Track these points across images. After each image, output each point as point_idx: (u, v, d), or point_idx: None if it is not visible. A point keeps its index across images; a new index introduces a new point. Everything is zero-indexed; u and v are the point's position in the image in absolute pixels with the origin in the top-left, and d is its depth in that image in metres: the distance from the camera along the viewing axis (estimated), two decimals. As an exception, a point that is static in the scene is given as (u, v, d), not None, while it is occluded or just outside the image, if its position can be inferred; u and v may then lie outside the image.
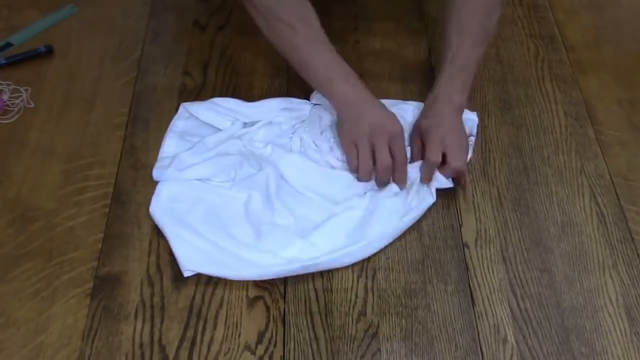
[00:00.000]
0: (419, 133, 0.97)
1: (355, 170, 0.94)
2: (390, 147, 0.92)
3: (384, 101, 0.99)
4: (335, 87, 0.94)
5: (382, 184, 0.93)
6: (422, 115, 0.99)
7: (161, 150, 0.97)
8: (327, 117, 1.00)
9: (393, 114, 0.95)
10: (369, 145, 0.92)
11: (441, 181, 0.93)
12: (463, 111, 0.99)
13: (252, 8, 0.96)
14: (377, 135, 0.91)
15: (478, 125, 1.03)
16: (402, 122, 0.96)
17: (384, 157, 0.91)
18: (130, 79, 1.09)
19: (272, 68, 1.11)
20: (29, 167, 0.96)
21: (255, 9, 0.96)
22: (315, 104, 1.03)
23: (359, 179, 0.94)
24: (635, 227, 0.93)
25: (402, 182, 0.93)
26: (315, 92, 1.03)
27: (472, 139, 1.00)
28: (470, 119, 1.02)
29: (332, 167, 0.96)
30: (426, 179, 0.94)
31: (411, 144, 0.98)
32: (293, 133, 0.99)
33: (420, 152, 0.96)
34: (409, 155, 0.96)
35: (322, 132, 0.99)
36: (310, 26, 0.96)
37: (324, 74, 0.94)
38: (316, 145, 0.97)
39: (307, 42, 0.95)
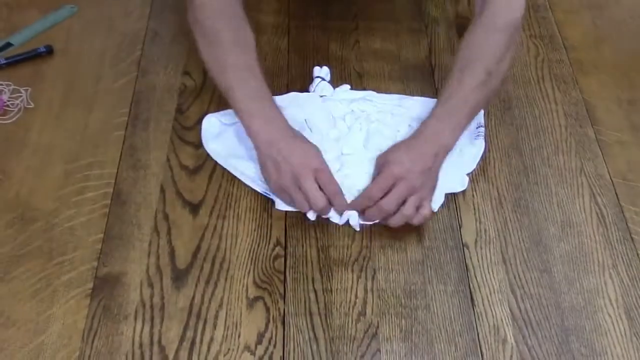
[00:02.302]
0: (384, 161, 0.90)
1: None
2: (320, 183, 0.87)
3: (391, 96, 1.00)
4: (253, 121, 0.91)
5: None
6: (397, 146, 0.92)
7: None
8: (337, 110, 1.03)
9: (312, 145, 0.91)
10: (298, 188, 0.87)
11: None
12: (446, 154, 0.92)
13: (195, 24, 0.96)
14: (302, 178, 0.86)
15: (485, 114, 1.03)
16: (406, 117, 0.97)
17: (317, 199, 0.86)
18: (130, 79, 1.09)
19: (272, 67, 1.11)
20: (28, 167, 0.96)
21: (199, 25, 0.95)
22: (322, 96, 1.05)
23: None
24: (635, 227, 0.93)
25: (342, 208, 0.89)
26: (316, 83, 1.04)
27: (482, 130, 1.00)
28: None
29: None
30: (369, 217, 0.89)
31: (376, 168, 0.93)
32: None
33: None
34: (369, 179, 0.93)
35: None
36: (245, 53, 0.94)
37: (244, 105, 0.92)
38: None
39: (237, 68, 0.93)
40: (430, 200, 0.90)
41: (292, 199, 0.88)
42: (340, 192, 0.89)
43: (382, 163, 0.91)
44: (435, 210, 0.92)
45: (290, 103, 1.02)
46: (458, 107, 0.92)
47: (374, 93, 1.07)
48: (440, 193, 0.93)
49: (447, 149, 0.91)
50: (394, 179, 0.87)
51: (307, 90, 1.07)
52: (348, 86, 1.07)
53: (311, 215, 0.89)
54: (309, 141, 0.92)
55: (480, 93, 0.94)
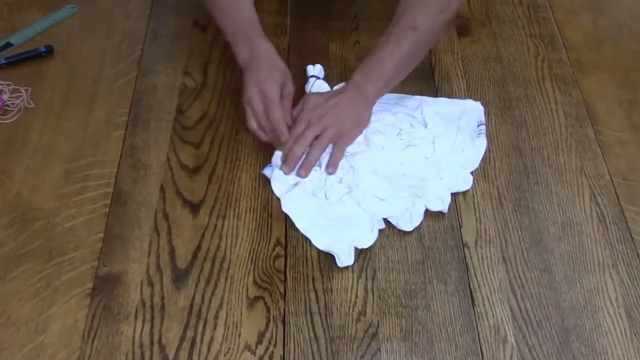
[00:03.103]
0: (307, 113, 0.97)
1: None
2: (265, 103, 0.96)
3: (388, 95, 1.02)
4: (239, 50, 1.00)
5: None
6: (317, 95, 1.00)
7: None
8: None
9: (275, 73, 0.98)
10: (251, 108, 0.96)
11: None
12: (369, 106, 0.98)
13: None
14: (255, 103, 0.96)
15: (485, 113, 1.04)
16: (407, 115, 0.99)
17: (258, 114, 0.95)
18: (131, 79, 1.09)
19: (272, 68, 1.11)
20: (29, 167, 0.96)
21: None
22: (312, 76, 1.07)
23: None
24: (635, 227, 0.93)
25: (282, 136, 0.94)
26: (312, 83, 1.06)
27: (483, 128, 1.01)
28: (477, 109, 1.03)
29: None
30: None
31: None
32: None
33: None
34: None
35: None
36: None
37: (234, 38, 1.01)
38: None
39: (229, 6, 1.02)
40: (349, 141, 0.97)
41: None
42: (277, 108, 0.95)
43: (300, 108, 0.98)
44: (445, 210, 0.92)
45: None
46: (381, 61, 0.97)
47: None
48: (447, 192, 0.94)
49: (367, 101, 0.98)
50: (310, 114, 0.95)
51: (303, 91, 1.06)
52: (345, 84, 1.07)
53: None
54: (283, 74, 0.99)
55: (403, 48, 0.97)
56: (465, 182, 0.96)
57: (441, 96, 1.08)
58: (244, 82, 0.98)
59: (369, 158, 0.95)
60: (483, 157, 0.99)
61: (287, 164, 0.94)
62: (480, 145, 0.99)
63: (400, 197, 0.92)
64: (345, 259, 0.86)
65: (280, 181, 0.94)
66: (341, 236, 0.88)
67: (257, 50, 0.99)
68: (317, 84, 1.06)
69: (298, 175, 0.94)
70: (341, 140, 0.96)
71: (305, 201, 0.92)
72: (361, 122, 0.98)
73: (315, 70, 1.08)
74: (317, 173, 0.95)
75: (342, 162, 0.95)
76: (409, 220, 0.90)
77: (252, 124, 0.97)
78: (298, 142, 0.94)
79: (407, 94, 1.07)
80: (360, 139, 0.98)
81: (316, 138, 0.94)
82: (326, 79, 1.08)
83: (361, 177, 0.93)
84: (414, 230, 0.91)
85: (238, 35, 1.01)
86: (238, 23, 1.01)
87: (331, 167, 0.94)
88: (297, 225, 0.90)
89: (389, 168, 0.95)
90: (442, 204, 0.92)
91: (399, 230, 0.91)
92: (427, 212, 0.93)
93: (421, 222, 0.92)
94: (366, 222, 0.90)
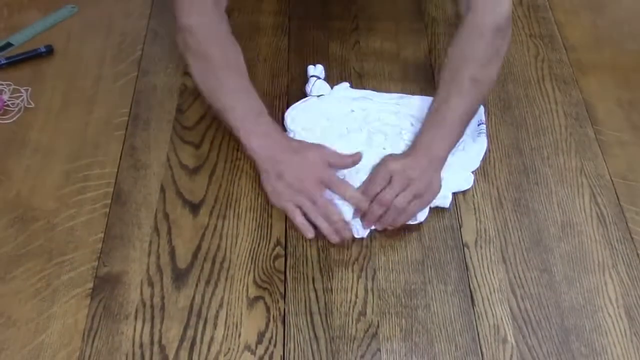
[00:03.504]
0: (390, 172, 0.90)
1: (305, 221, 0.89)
2: (331, 189, 0.90)
3: (390, 94, 1.03)
4: (252, 139, 0.92)
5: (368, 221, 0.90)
6: (394, 158, 0.93)
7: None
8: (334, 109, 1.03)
9: (315, 153, 0.92)
10: (309, 202, 0.88)
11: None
12: (442, 165, 0.93)
13: (186, 49, 0.96)
14: (309, 187, 0.88)
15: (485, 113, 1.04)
16: (408, 116, 1.00)
17: (331, 212, 0.88)
18: (131, 79, 1.09)
19: (272, 68, 1.11)
20: (29, 167, 0.96)
21: (190, 50, 0.96)
22: (320, 95, 1.06)
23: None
24: (635, 227, 0.93)
25: (361, 204, 0.89)
26: (312, 83, 1.05)
27: (483, 127, 1.01)
28: None
29: None
30: (371, 222, 0.90)
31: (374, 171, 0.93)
32: None
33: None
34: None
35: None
36: (238, 74, 0.96)
37: (241, 123, 0.93)
38: None
39: (231, 89, 0.94)
40: (428, 204, 0.91)
41: (302, 211, 0.89)
42: (351, 190, 0.89)
43: (389, 173, 0.90)
44: (448, 207, 0.93)
45: (295, 117, 1.02)
46: (446, 118, 0.93)
47: (374, 92, 1.07)
48: (447, 192, 0.94)
49: (440, 160, 0.92)
50: (389, 173, 0.89)
51: (304, 91, 1.07)
52: (347, 84, 1.07)
53: (310, 234, 0.88)
54: (312, 149, 0.92)
55: (468, 101, 0.94)
56: (466, 182, 0.96)
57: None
58: (274, 179, 0.90)
59: (372, 158, 0.95)
60: (484, 157, 0.99)
61: (367, 221, 0.90)
62: (480, 145, 0.99)
63: None
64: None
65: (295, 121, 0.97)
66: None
67: (276, 139, 0.92)
68: (318, 84, 1.06)
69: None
70: (411, 206, 0.89)
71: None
72: (435, 189, 0.91)
73: (316, 70, 1.08)
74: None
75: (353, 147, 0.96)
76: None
77: (300, 218, 0.89)
78: (379, 202, 0.88)
79: (407, 94, 1.07)
80: (362, 138, 0.98)
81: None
82: (326, 79, 1.08)
83: (364, 178, 0.93)
84: (414, 230, 0.91)
85: (249, 123, 0.93)
86: (247, 109, 0.94)
87: (380, 226, 0.90)
88: None
89: None
90: (443, 201, 0.93)
91: (399, 230, 0.91)
92: (428, 212, 0.93)
93: (425, 219, 0.92)
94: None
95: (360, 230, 0.90)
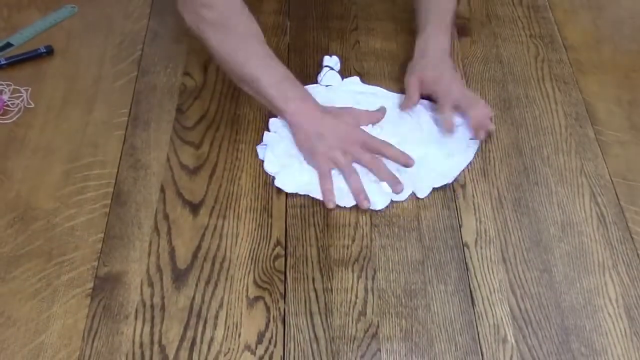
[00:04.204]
0: (418, 77, 1.02)
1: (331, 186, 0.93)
2: (368, 148, 0.94)
3: (399, 95, 1.05)
4: (289, 104, 0.95)
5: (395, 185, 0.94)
6: (416, 62, 1.05)
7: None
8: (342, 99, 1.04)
9: (350, 114, 0.98)
10: (346, 156, 0.94)
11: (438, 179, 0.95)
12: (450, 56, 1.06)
13: (203, 24, 0.96)
14: (351, 145, 0.94)
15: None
16: (407, 115, 1.02)
17: (369, 157, 0.94)
18: (131, 79, 1.09)
19: (272, 68, 1.11)
20: (29, 167, 0.96)
21: (208, 24, 0.96)
22: (327, 86, 1.07)
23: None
24: (635, 227, 0.93)
25: (403, 159, 0.94)
26: (324, 73, 1.07)
27: (476, 143, 1.01)
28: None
29: None
30: (449, 124, 0.99)
31: (407, 85, 1.03)
32: None
33: (418, 91, 1.02)
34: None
35: None
36: (260, 43, 0.98)
37: (274, 92, 0.95)
38: None
39: (259, 57, 0.96)
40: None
41: (340, 171, 0.94)
42: (393, 147, 0.95)
43: (419, 83, 1.02)
44: (404, 198, 0.95)
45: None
46: (446, 19, 1.07)
47: (383, 89, 1.08)
48: (427, 187, 0.95)
49: (449, 52, 1.06)
50: (454, 98, 1.00)
51: (315, 80, 1.08)
52: (358, 78, 1.08)
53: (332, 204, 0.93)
54: (347, 112, 0.98)
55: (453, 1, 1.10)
56: (446, 176, 0.96)
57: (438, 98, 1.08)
58: (311, 142, 0.95)
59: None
60: (461, 171, 0.98)
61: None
62: (465, 156, 0.99)
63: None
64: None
65: (271, 161, 0.96)
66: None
67: (309, 104, 0.97)
68: (330, 75, 1.07)
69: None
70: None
71: (298, 177, 0.95)
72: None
73: (331, 61, 1.09)
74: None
75: None
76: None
77: (328, 184, 0.93)
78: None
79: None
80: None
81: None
82: (340, 71, 1.09)
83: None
84: (414, 230, 0.91)
85: (280, 87, 0.96)
86: (276, 77, 0.96)
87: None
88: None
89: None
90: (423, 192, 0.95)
91: (399, 231, 0.91)
92: (427, 212, 0.93)
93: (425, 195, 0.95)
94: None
95: (378, 203, 0.92)
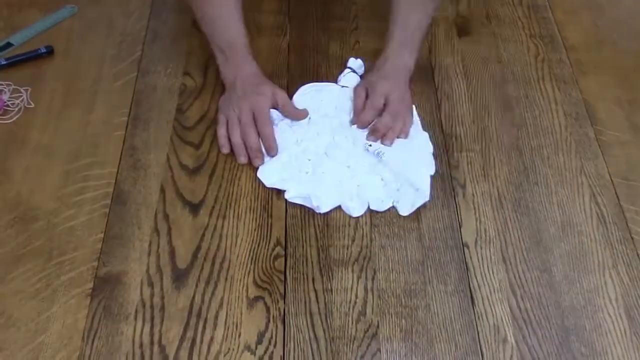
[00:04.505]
0: (364, 85, 1.03)
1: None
2: (256, 122, 0.97)
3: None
4: (226, 66, 1.03)
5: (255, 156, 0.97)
6: (371, 73, 1.05)
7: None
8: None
9: (266, 90, 1.00)
10: (237, 120, 0.98)
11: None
12: (411, 73, 1.04)
13: None
14: (243, 115, 0.98)
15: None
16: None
17: (250, 137, 0.97)
18: (131, 79, 1.09)
19: (272, 68, 1.11)
20: (29, 167, 0.96)
21: None
22: (343, 86, 1.07)
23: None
24: (635, 227, 0.93)
25: (271, 149, 0.97)
26: (344, 74, 1.08)
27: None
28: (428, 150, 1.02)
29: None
30: (365, 123, 1.00)
31: (354, 96, 1.04)
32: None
33: (363, 103, 1.01)
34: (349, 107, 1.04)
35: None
36: (227, 3, 1.03)
37: (220, 52, 1.03)
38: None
39: (218, 17, 1.03)
40: (411, 121, 1.02)
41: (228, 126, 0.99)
42: (271, 136, 0.97)
43: (365, 92, 1.03)
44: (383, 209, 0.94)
45: (310, 90, 1.06)
46: (414, 36, 1.05)
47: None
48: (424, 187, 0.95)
49: (410, 70, 1.05)
50: (384, 98, 1.00)
51: (317, 79, 1.09)
52: (360, 60, 1.09)
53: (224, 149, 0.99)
54: (270, 85, 1.01)
55: (426, 14, 1.07)
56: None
57: (440, 96, 1.08)
58: (228, 97, 1.01)
59: (355, 155, 0.98)
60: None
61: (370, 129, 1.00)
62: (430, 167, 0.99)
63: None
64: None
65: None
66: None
67: (244, 70, 1.02)
68: (349, 77, 1.08)
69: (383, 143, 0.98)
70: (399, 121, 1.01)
71: (281, 171, 0.96)
72: (409, 102, 1.04)
73: (355, 63, 1.09)
74: (299, 148, 0.98)
75: (342, 139, 0.99)
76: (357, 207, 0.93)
77: (223, 130, 0.99)
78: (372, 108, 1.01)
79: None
80: (352, 135, 1.00)
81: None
82: (362, 76, 1.09)
83: (359, 155, 0.97)
84: (414, 230, 0.91)
85: (225, 52, 1.02)
86: (226, 39, 1.03)
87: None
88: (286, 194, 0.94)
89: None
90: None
91: (399, 231, 0.91)
92: (427, 212, 0.93)
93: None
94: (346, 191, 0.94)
95: (356, 210, 0.92)
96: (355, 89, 1.05)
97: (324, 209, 0.92)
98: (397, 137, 0.99)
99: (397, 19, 1.05)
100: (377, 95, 1.00)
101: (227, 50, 1.02)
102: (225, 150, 0.99)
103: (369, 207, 0.93)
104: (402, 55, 1.04)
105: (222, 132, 0.99)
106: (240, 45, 1.03)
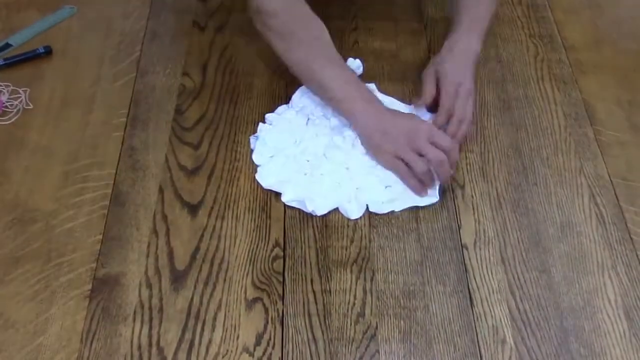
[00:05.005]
0: (434, 68, 1.02)
1: (416, 180, 0.94)
2: (434, 142, 0.92)
3: (407, 106, 1.05)
4: (356, 104, 0.96)
5: (444, 178, 0.94)
6: (440, 56, 1.04)
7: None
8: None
9: (413, 115, 0.99)
10: (413, 152, 0.92)
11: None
12: (478, 58, 1.04)
13: (269, 32, 0.99)
14: (417, 139, 0.92)
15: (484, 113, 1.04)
16: None
17: (436, 153, 0.92)
18: (129, 80, 1.09)
19: (272, 68, 1.11)
20: (27, 168, 0.96)
21: (274, 32, 0.99)
22: None
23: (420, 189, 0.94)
24: (635, 228, 0.93)
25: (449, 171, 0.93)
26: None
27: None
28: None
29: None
30: (444, 122, 0.98)
31: (424, 81, 1.02)
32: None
33: (434, 87, 1.01)
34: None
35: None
36: (325, 45, 1.00)
37: (341, 95, 0.97)
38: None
39: (325, 62, 0.98)
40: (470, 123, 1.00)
41: (408, 164, 0.93)
42: (455, 146, 0.94)
43: (436, 76, 1.01)
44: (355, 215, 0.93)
45: (304, 96, 1.05)
46: (480, 19, 1.05)
47: (395, 100, 1.06)
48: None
49: (478, 55, 1.04)
50: (456, 85, 0.99)
51: None
52: (374, 85, 1.08)
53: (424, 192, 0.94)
54: (412, 117, 0.98)
55: (493, 4, 1.07)
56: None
57: (440, 96, 1.08)
58: (383, 134, 0.94)
59: (351, 160, 0.97)
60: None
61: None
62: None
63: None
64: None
65: (260, 152, 0.98)
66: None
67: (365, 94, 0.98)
68: None
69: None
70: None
71: (279, 172, 0.95)
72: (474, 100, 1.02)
73: (354, 64, 1.08)
74: (297, 149, 0.98)
75: (341, 140, 0.98)
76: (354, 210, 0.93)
77: (414, 181, 0.94)
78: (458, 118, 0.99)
79: (406, 94, 1.08)
80: (349, 139, 0.99)
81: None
82: (360, 76, 1.08)
83: (357, 157, 0.96)
84: (412, 231, 0.91)
85: (347, 89, 0.97)
86: (341, 77, 0.98)
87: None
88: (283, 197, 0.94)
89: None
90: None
91: (398, 232, 0.91)
92: (427, 213, 0.93)
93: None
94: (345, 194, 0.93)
95: (354, 212, 0.92)
96: (425, 73, 1.03)
97: (319, 212, 0.92)
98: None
99: (467, 3, 1.06)
100: (449, 84, 0.99)
101: (354, 87, 0.98)
102: (426, 193, 0.94)
103: (367, 209, 0.93)
104: (470, 39, 1.03)
105: (413, 182, 0.94)
106: (361, 83, 1.00)
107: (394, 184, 0.94)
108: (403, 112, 1.00)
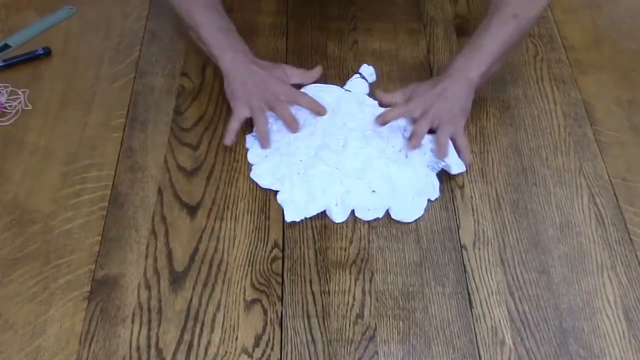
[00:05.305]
0: (412, 87, 1.02)
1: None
2: (292, 101, 0.99)
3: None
4: (225, 52, 0.99)
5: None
6: (423, 82, 1.02)
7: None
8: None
9: (285, 73, 1.02)
10: (265, 105, 0.98)
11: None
12: (472, 87, 0.98)
13: None
14: (270, 94, 0.97)
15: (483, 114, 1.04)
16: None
17: (285, 112, 0.98)
18: (128, 81, 1.08)
19: (270, 69, 1.11)
20: (26, 169, 0.96)
21: None
22: (347, 90, 1.06)
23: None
24: (634, 228, 0.93)
25: (315, 107, 0.99)
26: (352, 78, 1.08)
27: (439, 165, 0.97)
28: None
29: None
30: (418, 138, 0.96)
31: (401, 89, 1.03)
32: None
33: (402, 97, 1.02)
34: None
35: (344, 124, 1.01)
36: None
37: (213, 39, 1.00)
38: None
39: (203, 7, 1.01)
40: (464, 128, 0.98)
41: (257, 117, 0.97)
42: (307, 96, 1.00)
43: (409, 96, 1.01)
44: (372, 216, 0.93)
45: (311, 90, 1.05)
46: (484, 44, 0.98)
47: None
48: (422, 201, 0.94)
49: (471, 82, 0.98)
50: (424, 105, 0.97)
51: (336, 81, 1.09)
52: (372, 68, 1.08)
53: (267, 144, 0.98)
54: (277, 67, 1.03)
55: (507, 32, 0.98)
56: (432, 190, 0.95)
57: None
58: (242, 84, 0.98)
59: (366, 150, 0.97)
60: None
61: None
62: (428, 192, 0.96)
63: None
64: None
65: (255, 151, 0.99)
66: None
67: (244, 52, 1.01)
68: (356, 82, 1.07)
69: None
70: (447, 127, 0.96)
71: (275, 172, 0.96)
72: (466, 109, 0.99)
73: (366, 70, 1.09)
74: (290, 149, 0.98)
75: (335, 142, 0.98)
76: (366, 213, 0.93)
77: (264, 128, 0.98)
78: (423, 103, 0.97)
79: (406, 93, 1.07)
80: (345, 140, 0.99)
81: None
82: (371, 83, 1.08)
83: (347, 159, 0.96)
84: (411, 231, 0.91)
85: (218, 41, 1.01)
86: (216, 28, 1.01)
87: (415, 140, 0.96)
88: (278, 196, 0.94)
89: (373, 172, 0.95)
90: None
91: (397, 232, 0.91)
92: (426, 214, 0.93)
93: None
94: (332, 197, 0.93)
95: (339, 215, 0.92)
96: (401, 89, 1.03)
97: (308, 214, 0.92)
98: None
99: (476, 31, 1.01)
100: (415, 100, 0.98)
101: (224, 35, 1.01)
102: (268, 145, 0.98)
103: (353, 213, 0.92)
104: (464, 67, 0.98)
105: (263, 128, 0.98)
106: (235, 31, 1.03)
107: (380, 189, 0.93)
108: (272, 66, 1.02)
